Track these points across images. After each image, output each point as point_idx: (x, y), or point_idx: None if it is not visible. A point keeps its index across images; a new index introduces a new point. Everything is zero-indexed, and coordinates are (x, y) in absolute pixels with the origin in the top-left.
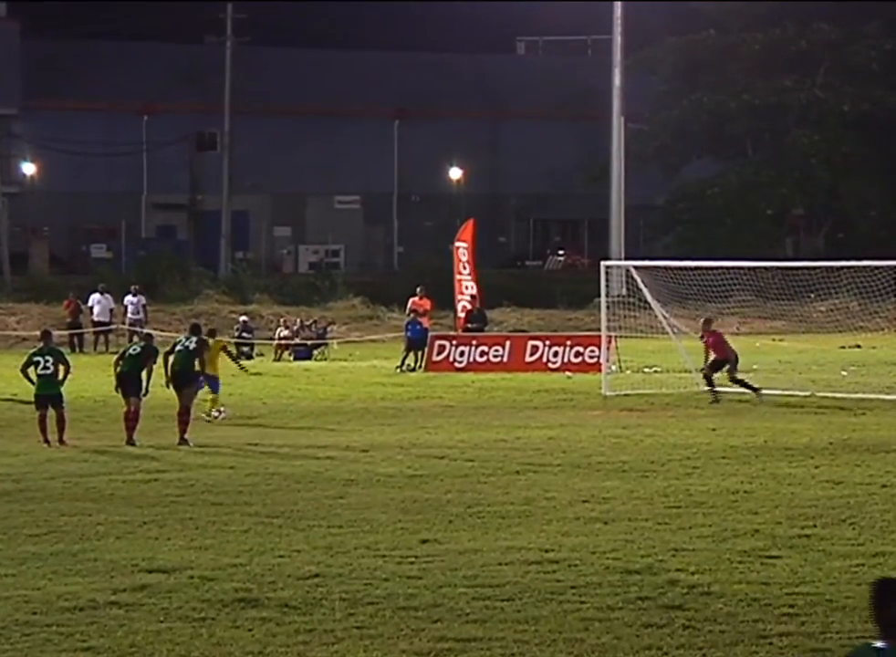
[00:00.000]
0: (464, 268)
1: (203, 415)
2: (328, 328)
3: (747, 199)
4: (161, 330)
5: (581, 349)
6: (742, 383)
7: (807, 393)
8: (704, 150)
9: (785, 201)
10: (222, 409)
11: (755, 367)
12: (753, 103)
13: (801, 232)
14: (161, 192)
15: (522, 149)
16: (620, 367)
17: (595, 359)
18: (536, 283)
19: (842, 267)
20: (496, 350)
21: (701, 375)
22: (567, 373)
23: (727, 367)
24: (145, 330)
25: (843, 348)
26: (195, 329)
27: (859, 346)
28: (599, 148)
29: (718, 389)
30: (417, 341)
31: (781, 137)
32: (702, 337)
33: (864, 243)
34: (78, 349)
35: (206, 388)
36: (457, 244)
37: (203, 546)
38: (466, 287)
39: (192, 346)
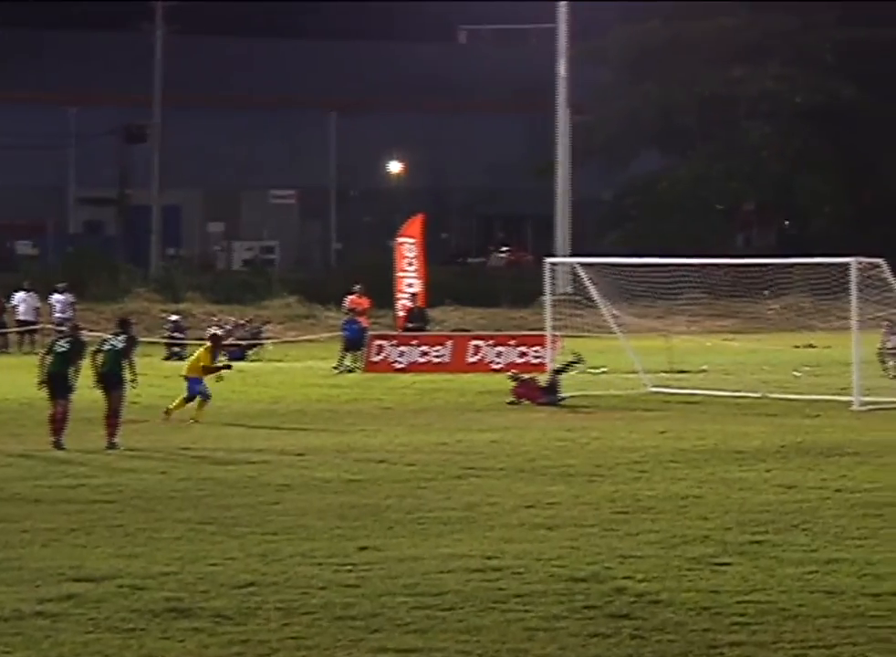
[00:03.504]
0: (409, 265)
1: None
2: (263, 328)
3: (697, 193)
4: (90, 330)
5: (526, 350)
6: None
7: (759, 395)
8: (653, 142)
9: (736, 195)
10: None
11: (704, 367)
12: (703, 94)
13: (753, 227)
14: (88, 186)
15: (464, 142)
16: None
17: (540, 360)
18: (478, 281)
19: (795, 264)
20: (437, 351)
21: (647, 375)
22: (510, 373)
23: None
24: (72, 323)
25: (796, 347)
26: (123, 325)
27: (812, 345)
28: (544, 141)
29: (674, 389)
30: (355, 341)
31: (732, 129)
32: None
33: (817, 238)
34: (1, 350)
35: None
36: (401, 239)
37: (133, 553)
38: (409, 285)
39: (121, 346)
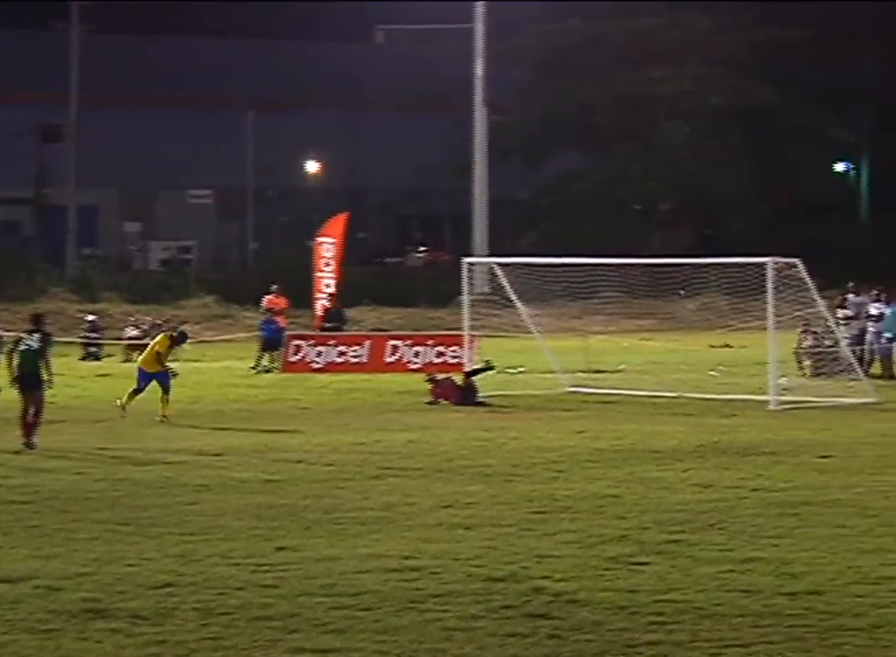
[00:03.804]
0: (327, 265)
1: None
2: (180, 328)
3: (614, 193)
4: (6, 330)
5: (443, 349)
6: None
7: (676, 394)
8: (570, 142)
9: (653, 195)
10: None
11: (622, 367)
12: (620, 94)
13: (670, 227)
14: (5, 186)
15: (382, 141)
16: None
17: (458, 360)
18: (396, 280)
19: (711, 264)
20: (355, 351)
21: (565, 375)
22: (425, 376)
23: None
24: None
25: (713, 347)
26: (36, 321)
27: (728, 345)
28: (461, 141)
29: (591, 389)
30: (272, 341)
31: (650, 129)
32: None
33: (734, 239)
34: None
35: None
36: (320, 239)
37: (50, 554)
38: (326, 286)
39: (36, 346)
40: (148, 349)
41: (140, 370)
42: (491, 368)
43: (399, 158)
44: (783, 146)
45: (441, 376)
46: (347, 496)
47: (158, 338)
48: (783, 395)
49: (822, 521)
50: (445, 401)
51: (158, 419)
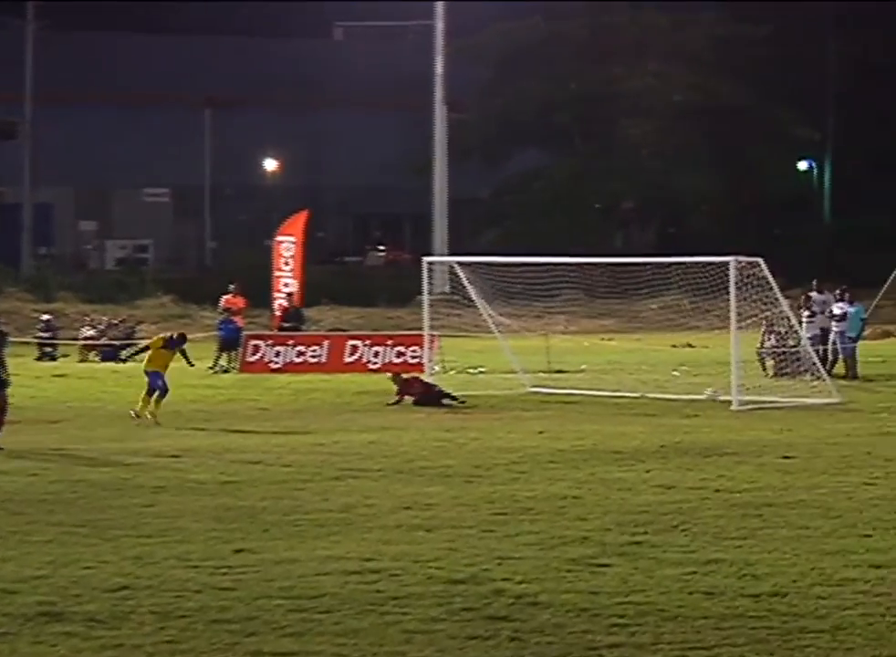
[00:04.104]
0: (286, 264)
1: (134, 416)
2: (137, 328)
3: (575, 192)
4: None
5: (403, 349)
6: None
7: (638, 395)
8: (531, 140)
9: (614, 194)
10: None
11: (583, 367)
12: (581, 92)
13: (631, 226)
14: None
15: (341, 139)
16: (444, 367)
17: (417, 360)
18: (355, 280)
19: (673, 263)
20: (314, 351)
21: (526, 375)
22: (388, 374)
23: None
24: None
25: (675, 347)
26: None
27: (691, 345)
28: (421, 139)
29: (553, 389)
30: (230, 341)
31: (611, 127)
32: None
33: (697, 237)
34: None
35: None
36: (280, 238)
37: (4, 557)
38: (285, 285)
39: None
40: (148, 352)
41: (147, 373)
42: (462, 402)
43: (358, 156)
44: (745, 144)
45: (406, 376)
46: (306, 498)
47: (153, 339)
48: (745, 395)
49: (785, 522)
50: (410, 398)
51: (132, 412)
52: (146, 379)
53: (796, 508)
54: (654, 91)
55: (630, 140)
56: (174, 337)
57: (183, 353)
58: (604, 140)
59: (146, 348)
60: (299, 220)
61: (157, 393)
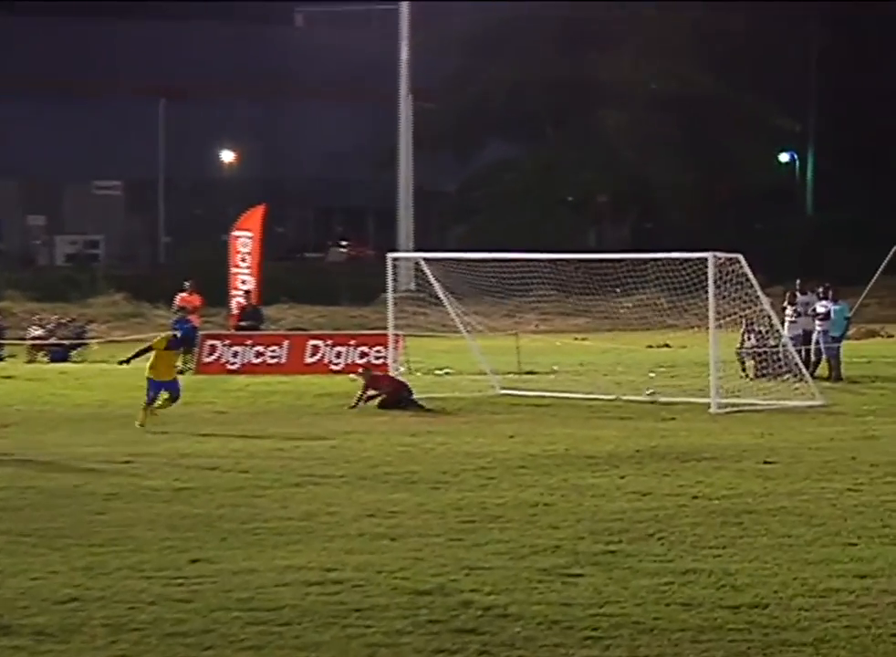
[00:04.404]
0: (243, 261)
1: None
2: (87, 327)
3: (547, 184)
4: None
5: (367, 350)
6: None
7: (612, 397)
8: (501, 131)
9: (588, 186)
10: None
11: (555, 368)
12: (553, 80)
13: (606, 220)
14: None
15: (301, 130)
16: (409, 368)
17: (382, 361)
18: (316, 277)
19: (649, 260)
20: (273, 351)
21: (495, 377)
22: (352, 376)
23: None
24: None
25: (651, 347)
26: None
27: (667, 345)
28: (386, 129)
29: (523, 392)
30: (186, 341)
31: (584, 117)
32: None
33: (673, 233)
34: None
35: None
36: (236, 233)
37: None
38: (242, 282)
39: None
40: (152, 354)
41: (149, 380)
42: (428, 410)
43: (319, 147)
44: (724, 135)
45: (378, 372)
46: (265, 505)
47: (156, 338)
48: (725, 397)
49: (766, 530)
50: (374, 399)
51: (139, 424)
52: (147, 386)
53: (777, 515)
54: (630, 80)
55: (604, 130)
56: (178, 336)
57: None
58: (577, 131)
59: (148, 349)
60: (256, 214)
61: (168, 396)
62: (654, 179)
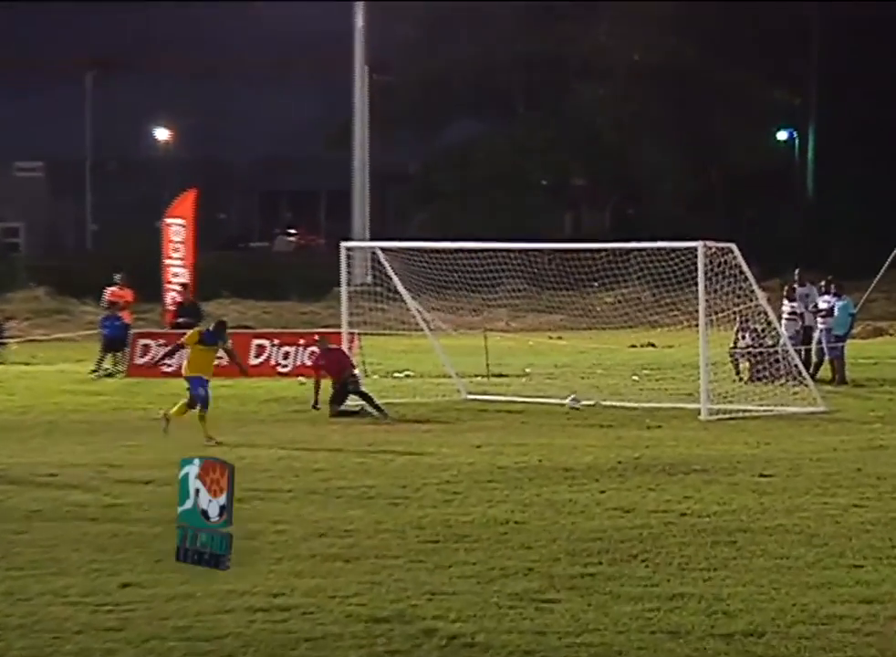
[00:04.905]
0: (175, 251)
1: (164, 420)
2: (6, 325)
3: (519, 166)
4: None
5: (318, 350)
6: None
7: (591, 403)
8: (468, 107)
9: (564, 168)
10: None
11: (527, 370)
12: (525, 51)
13: (583, 206)
14: None
15: (245, 106)
16: (366, 371)
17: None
18: (262, 269)
19: (632, 250)
20: None
21: (462, 380)
22: (301, 379)
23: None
24: None
25: (634, 347)
26: None
27: (652, 345)
28: (339, 104)
29: (492, 396)
30: (116, 340)
31: (560, 92)
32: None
33: (658, 220)
34: None
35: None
36: (168, 220)
37: None
38: (175, 275)
39: None
40: (186, 352)
41: (190, 379)
42: (385, 417)
43: (266, 125)
44: (715, 111)
45: (333, 345)
46: None
47: (186, 335)
48: (717, 403)
49: (762, 551)
50: (323, 374)
51: (162, 416)
52: (187, 386)
53: (774, 534)
54: (609, 51)
55: (581, 106)
56: (211, 328)
57: (230, 353)
58: (552, 108)
59: (179, 346)
60: (188, 199)
61: (199, 406)
62: (637, 160)
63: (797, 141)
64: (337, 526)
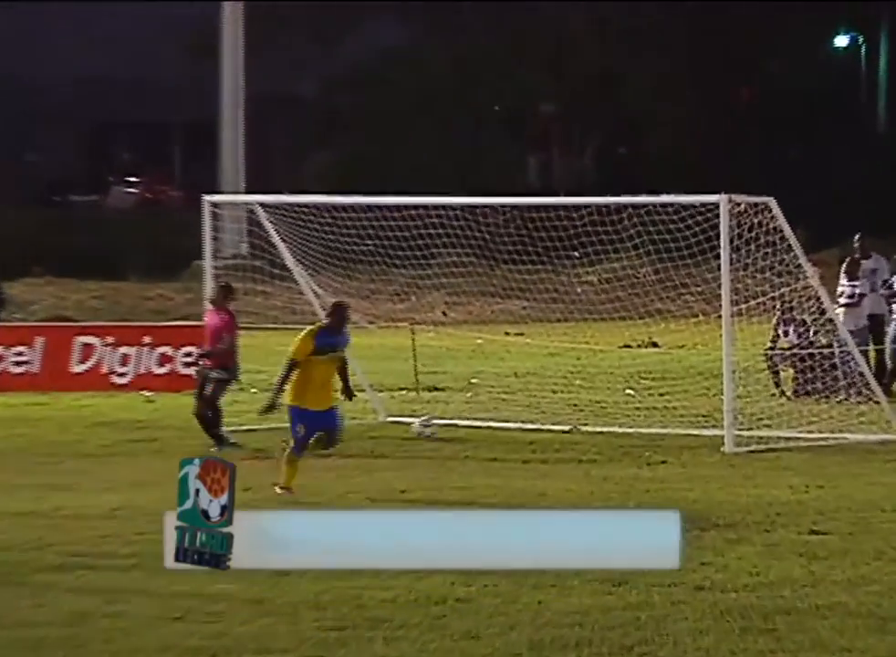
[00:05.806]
0: None
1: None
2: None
3: (462, 88)
4: None
5: (171, 351)
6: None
7: (567, 428)
8: (386, 5)
9: (526, 91)
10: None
11: (473, 381)
12: None
13: (555, 145)
14: None
15: (64, 10)
16: (240, 381)
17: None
18: (90, 233)
19: (625, 207)
20: (20, 354)
21: (379, 395)
22: (147, 393)
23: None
24: None
25: (629, 347)
26: None
27: (655, 344)
28: (200, 3)
29: (415, 419)
30: None
31: None
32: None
33: (660, 163)
34: None
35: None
36: None
37: None
38: None
39: None
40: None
41: (292, 409)
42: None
43: (94, 32)
44: (741, 9)
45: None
46: (9, 603)
47: (296, 340)
48: (745, 428)
49: (814, 640)
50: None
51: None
52: (290, 420)
53: (830, 617)
54: None
55: (549, 6)
56: (328, 325)
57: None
58: (510, 8)
59: (293, 365)
60: None
61: (326, 435)
62: (629, 81)
63: (862, 49)
64: (199, 606)
